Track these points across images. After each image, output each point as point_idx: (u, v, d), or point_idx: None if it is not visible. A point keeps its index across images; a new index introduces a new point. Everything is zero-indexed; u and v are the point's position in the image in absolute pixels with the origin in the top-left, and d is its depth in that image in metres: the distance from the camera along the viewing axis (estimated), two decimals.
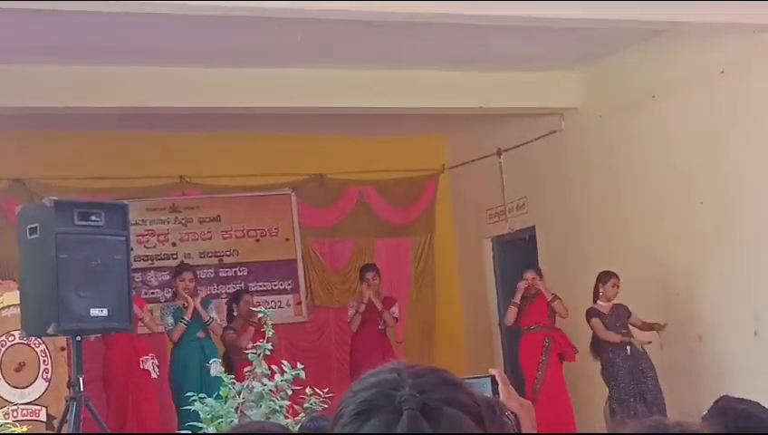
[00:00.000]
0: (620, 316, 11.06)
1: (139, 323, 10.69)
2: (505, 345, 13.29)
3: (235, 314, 11.70)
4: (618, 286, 11.12)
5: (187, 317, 11.13)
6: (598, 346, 11.07)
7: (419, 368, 1.59)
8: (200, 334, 11.17)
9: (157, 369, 10.85)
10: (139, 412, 10.67)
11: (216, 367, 10.59)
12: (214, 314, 11.45)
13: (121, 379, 10.69)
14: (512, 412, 2.53)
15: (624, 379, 10.79)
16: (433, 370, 1.60)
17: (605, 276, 11.16)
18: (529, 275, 11.83)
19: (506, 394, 2.73)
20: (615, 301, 11.14)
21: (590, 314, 11.11)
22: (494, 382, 2.78)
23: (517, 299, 11.78)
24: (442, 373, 1.59)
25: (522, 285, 11.79)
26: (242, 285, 13.38)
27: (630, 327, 11.06)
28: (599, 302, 11.16)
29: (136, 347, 10.76)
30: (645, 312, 11.08)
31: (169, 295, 12.61)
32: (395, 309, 12.49)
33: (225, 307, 12.03)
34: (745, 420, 3.53)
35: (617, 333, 10.94)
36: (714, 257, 10.77)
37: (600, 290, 11.15)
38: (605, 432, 10.60)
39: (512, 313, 11.85)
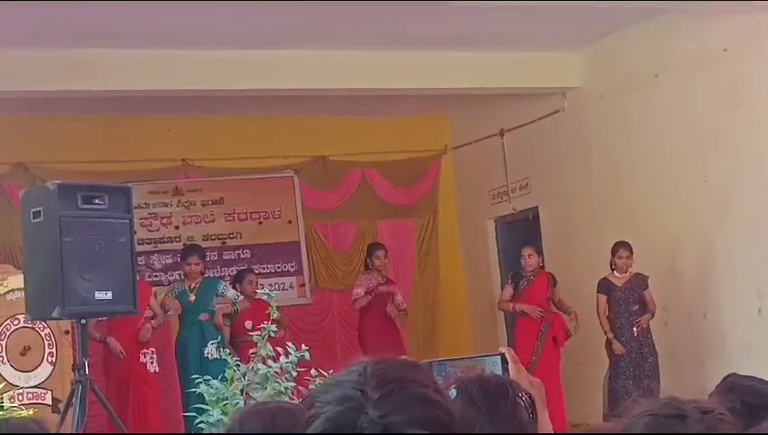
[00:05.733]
0: (635, 289, 10.99)
1: (147, 310, 10.69)
2: (509, 325, 13.27)
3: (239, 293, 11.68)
4: (626, 257, 10.99)
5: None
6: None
7: (389, 380, 1.57)
8: (202, 317, 11.15)
9: (155, 362, 10.81)
10: (140, 398, 10.65)
11: (211, 349, 10.63)
12: (231, 293, 11.44)
13: (123, 364, 10.66)
14: (525, 392, 2.52)
15: (624, 358, 10.78)
16: (404, 383, 1.58)
17: (614, 248, 11.09)
18: (526, 251, 11.77)
19: (516, 372, 2.73)
20: (635, 270, 11.06)
21: (600, 287, 11.06)
22: (504, 361, 2.78)
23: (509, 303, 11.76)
24: (412, 388, 1.58)
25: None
26: (245, 267, 13.38)
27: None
28: (614, 273, 11.14)
29: (138, 336, 10.72)
30: (651, 290, 11.05)
31: (173, 278, 12.61)
32: (399, 300, 12.36)
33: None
34: (752, 397, 3.53)
35: (621, 315, 10.91)
36: (718, 236, 10.76)
37: (612, 262, 11.12)
38: (605, 409, 10.63)
39: (506, 293, 11.80)
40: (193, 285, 11.32)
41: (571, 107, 12.68)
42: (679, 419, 1.90)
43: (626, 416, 1.98)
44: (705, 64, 10.75)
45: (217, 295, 11.43)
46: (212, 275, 12.44)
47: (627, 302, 10.95)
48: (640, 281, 11.00)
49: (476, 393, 2.37)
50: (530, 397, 2.54)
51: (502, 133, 13.74)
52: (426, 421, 1.53)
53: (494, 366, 2.77)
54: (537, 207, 13.35)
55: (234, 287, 11.74)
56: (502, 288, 12.23)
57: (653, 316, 10.92)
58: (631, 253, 11.01)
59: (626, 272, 11.03)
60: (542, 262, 11.94)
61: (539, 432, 2.49)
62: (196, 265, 11.40)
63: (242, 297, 11.40)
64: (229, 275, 13.20)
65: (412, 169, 14.58)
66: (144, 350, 10.70)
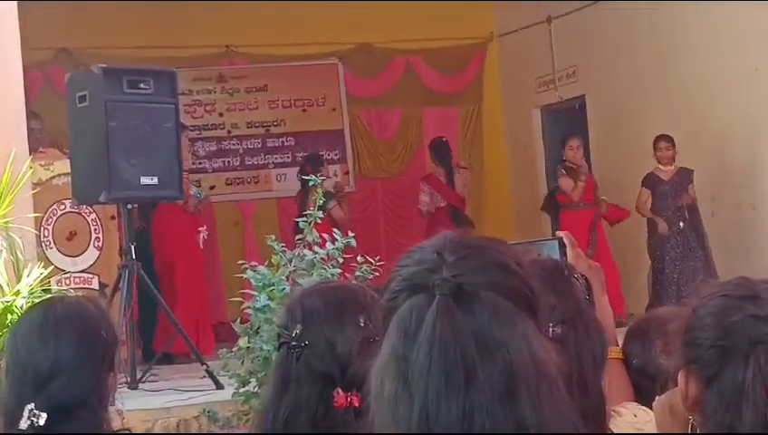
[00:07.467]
0: (683, 182, 10.87)
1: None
2: (553, 213, 13.20)
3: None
4: (665, 149, 10.87)
5: None
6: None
7: (467, 246, 1.51)
8: None
9: (203, 240, 10.74)
10: (186, 287, 10.51)
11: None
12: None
13: (178, 254, 10.45)
14: (582, 275, 2.48)
15: (669, 253, 10.68)
16: (481, 249, 1.52)
17: (654, 141, 10.99)
18: (575, 142, 11.47)
19: (574, 256, 2.68)
20: (681, 164, 10.91)
21: (645, 181, 10.96)
22: (562, 245, 2.73)
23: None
24: (491, 254, 1.51)
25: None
26: (289, 155, 13.36)
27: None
28: (660, 167, 10.99)
29: (194, 219, 10.59)
30: (699, 181, 10.94)
31: (217, 166, 12.61)
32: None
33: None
34: None
35: (668, 208, 10.81)
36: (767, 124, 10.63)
37: (655, 156, 10.99)
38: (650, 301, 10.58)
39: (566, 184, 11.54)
40: None
41: None
42: (752, 299, 1.85)
43: (695, 298, 1.93)
44: None
45: None
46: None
47: (674, 196, 10.83)
48: (687, 174, 10.88)
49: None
50: (587, 280, 2.49)
51: (549, 20, 13.54)
52: (503, 288, 1.46)
53: (551, 251, 2.72)
54: (584, 95, 13.20)
55: (314, 173, 11.49)
56: (554, 179, 12.01)
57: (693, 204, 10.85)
58: (672, 144, 10.88)
59: (671, 164, 10.91)
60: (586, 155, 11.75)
61: (597, 316, 2.44)
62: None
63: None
64: (273, 162, 13.20)
65: (458, 56, 14.44)
66: (200, 228, 10.58)
